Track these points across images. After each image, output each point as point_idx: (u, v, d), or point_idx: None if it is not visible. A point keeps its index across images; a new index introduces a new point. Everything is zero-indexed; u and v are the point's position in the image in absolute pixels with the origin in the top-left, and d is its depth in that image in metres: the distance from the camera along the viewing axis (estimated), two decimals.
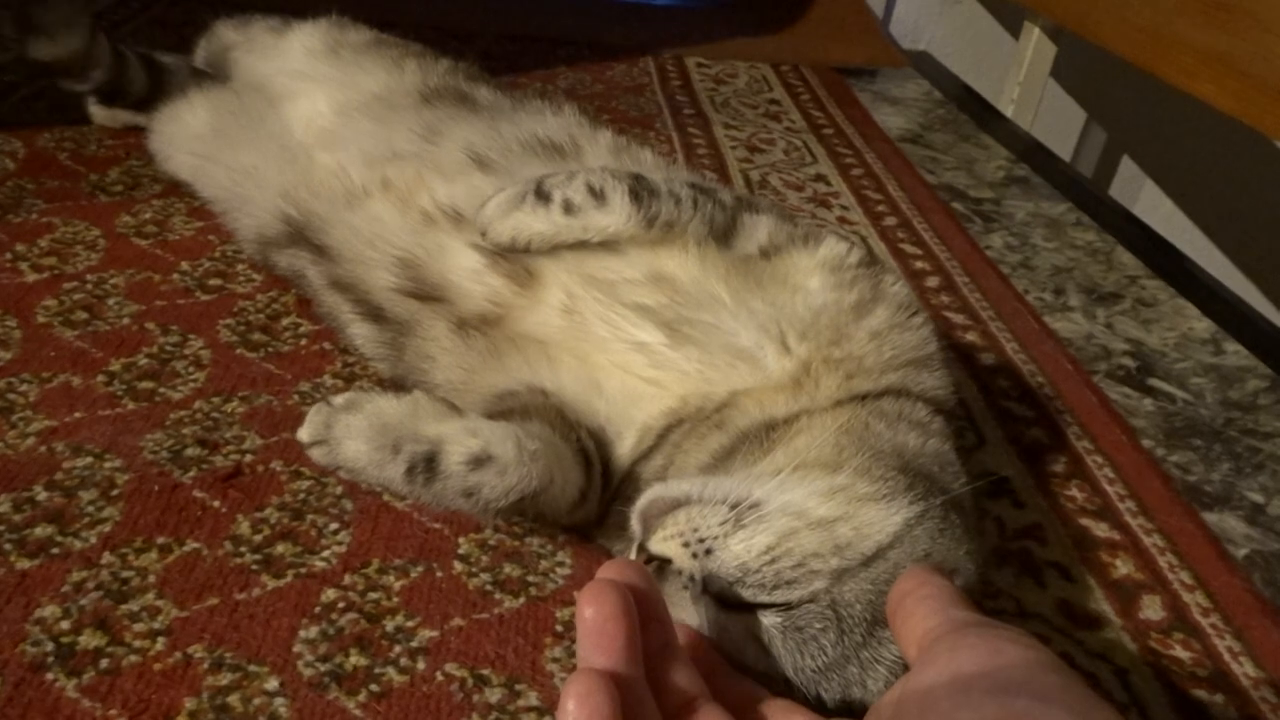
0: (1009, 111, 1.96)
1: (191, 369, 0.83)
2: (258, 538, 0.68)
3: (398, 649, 0.61)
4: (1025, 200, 1.49)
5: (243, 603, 0.63)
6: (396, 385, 0.81)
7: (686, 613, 0.54)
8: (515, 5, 2.05)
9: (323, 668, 0.59)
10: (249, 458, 0.74)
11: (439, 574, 0.67)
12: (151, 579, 0.63)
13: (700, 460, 0.64)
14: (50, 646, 0.58)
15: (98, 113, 1.20)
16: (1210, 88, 1.40)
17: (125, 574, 0.63)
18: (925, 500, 0.56)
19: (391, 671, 0.59)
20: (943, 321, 1.08)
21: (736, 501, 0.54)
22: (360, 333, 0.82)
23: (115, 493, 0.69)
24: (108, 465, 0.72)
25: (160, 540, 0.66)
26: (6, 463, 0.71)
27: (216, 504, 0.70)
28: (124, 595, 0.62)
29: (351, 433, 0.60)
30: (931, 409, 0.67)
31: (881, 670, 0.52)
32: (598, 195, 0.70)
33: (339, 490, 0.72)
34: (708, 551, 0.53)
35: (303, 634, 0.61)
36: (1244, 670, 0.69)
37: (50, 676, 0.56)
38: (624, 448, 0.70)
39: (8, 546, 0.64)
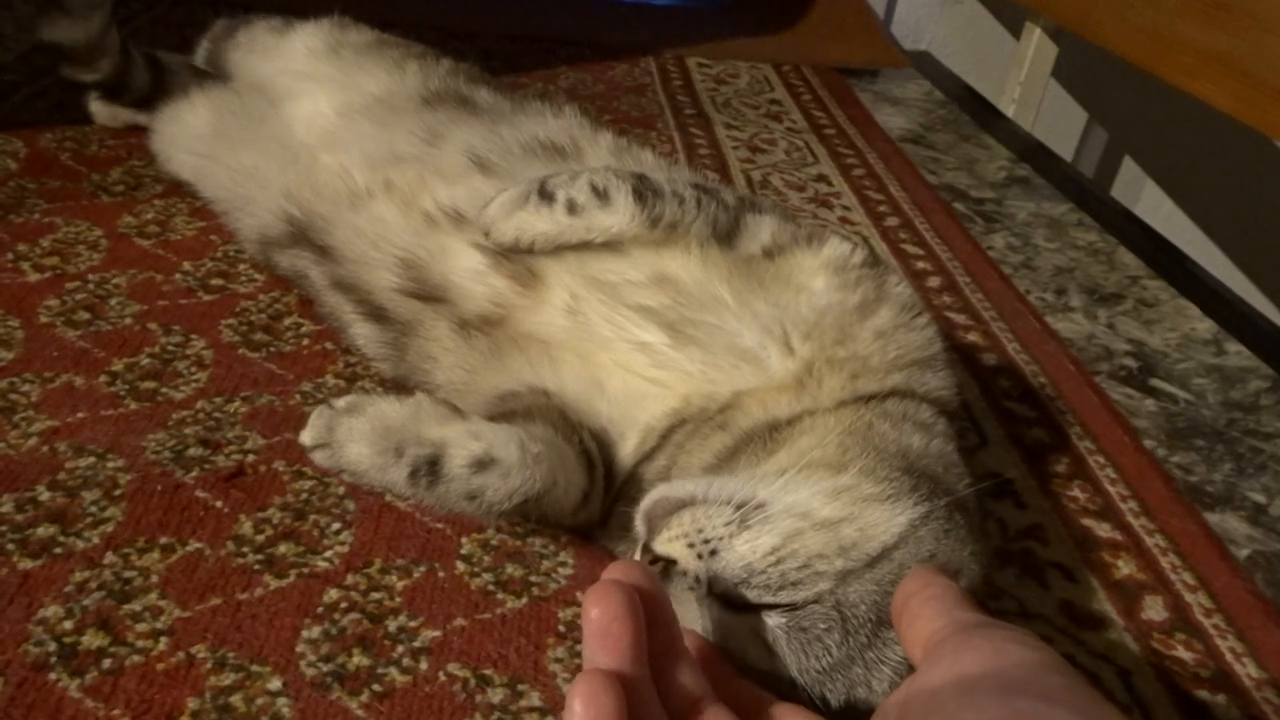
0: (1010, 112, 1.96)
1: (194, 369, 0.83)
2: (260, 538, 0.68)
3: (400, 649, 0.61)
4: (1027, 200, 1.49)
5: (245, 603, 0.63)
6: (398, 386, 0.81)
7: (691, 613, 0.54)
8: (516, 5, 2.05)
9: (325, 668, 0.59)
10: (251, 458, 0.74)
11: (441, 574, 0.67)
12: (154, 579, 0.63)
13: (703, 461, 0.64)
14: (53, 646, 0.58)
15: (99, 111, 1.20)
16: (1211, 88, 1.40)
17: (128, 574, 0.63)
18: (930, 501, 0.56)
19: (394, 672, 0.59)
20: (944, 322, 1.08)
21: (741, 502, 0.54)
22: (362, 333, 0.82)
23: (118, 493, 0.69)
24: (110, 465, 0.72)
25: (163, 540, 0.66)
26: (9, 463, 0.71)
27: (219, 504, 0.70)
28: (127, 595, 0.62)
29: (354, 436, 0.60)
30: (935, 410, 0.67)
31: (886, 671, 0.51)
32: (601, 195, 0.70)
33: (341, 490, 0.72)
34: (713, 552, 0.53)
35: (305, 634, 0.61)
36: (1246, 671, 0.69)
37: (53, 676, 0.56)
38: (627, 448, 0.70)
39: (10, 546, 0.64)
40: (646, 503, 0.57)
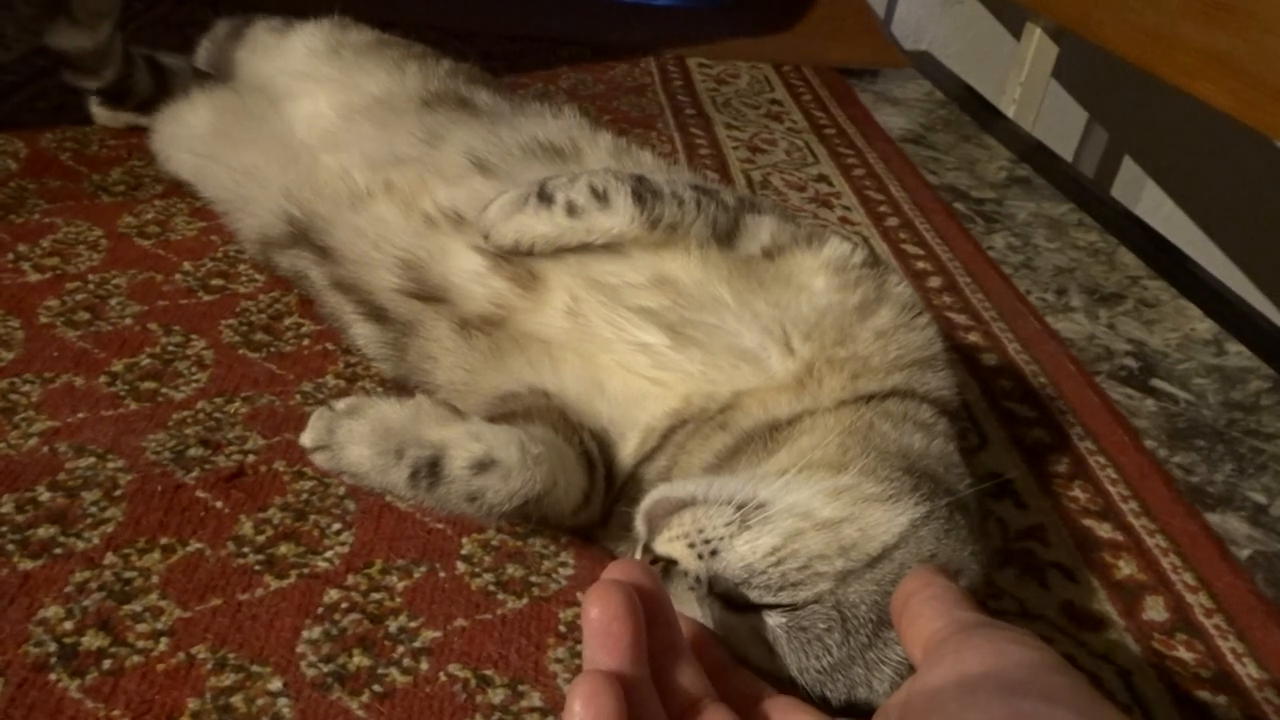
0: (1010, 112, 1.96)
1: (194, 369, 0.83)
2: (260, 538, 0.68)
3: (401, 649, 0.61)
4: (1027, 201, 1.49)
5: (246, 603, 0.63)
6: (399, 386, 0.81)
7: (692, 613, 0.54)
8: (517, 5, 2.05)
9: (326, 668, 0.59)
10: (251, 458, 0.74)
11: (442, 574, 0.67)
12: (154, 579, 0.63)
13: (704, 461, 0.64)
14: (53, 647, 0.58)
15: (100, 113, 1.20)
16: (1211, 88, 1.40)
17: (128, 574, 0.63)
18: (931, 501, 0.56)
19: (394, 672, 0.59)
20: (945, 322, 1.08)
21: (742, 502, 0.54)
22: (363, 333, 0.82)
23: (118, 493, 0.69)
24: (110, 466, 0.72)
25: (163, 541, 0.66)
26: (9, 463, 0.71)
27: (219, 504, 0.70)
28: (127, 596, 0.62)
29: (354, 438, 0.60)
30: (936, 410, 0.67)
31: (887, 671, 0.51)
32: (601, 197, 0.70)
33: (342, 491, 0.72)
34: (713, 552, 0.53)
35: (306, 634, 0.61)
36: (1247, 671, 0.69)
37: (53, 677, 0.56)
38: (627, 449, 0.70)
39: (10, 547, 0.64)
40: (647, 503, 0.57)
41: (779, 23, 2.16)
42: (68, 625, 0.59)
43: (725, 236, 0.72)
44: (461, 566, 0.68)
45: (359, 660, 0.60)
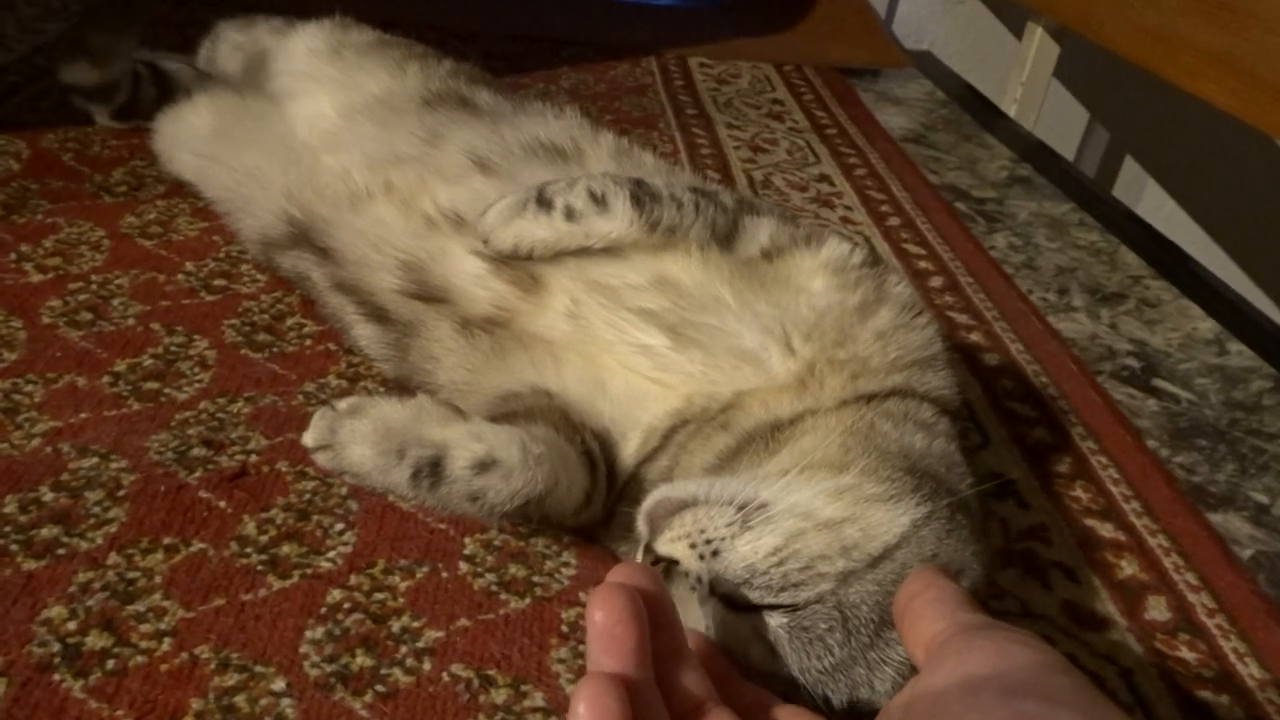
0: (1012, 111, 1.96)
1: (196, 369, 0.83)
2: (263, 538, 0.68)
3: (403, 649, 0.61)
4: (1028, 200, 1.49)
5: (249, 603, 0.63)
6: (401, 386, 0.81)
7: (694, 614, 0.54)
8: (518, 5, 2.05)
9: (329, 668, 0.59)
10: (254, 458, 0.74)
11: (444, 574, 0.67)
12: (158, 579, 0.63)
13: (705, 461, 0.64)
14: (57, 647, 0.58)
15: (103, 120, 1.20)
16: (1213, 87, 1.40)
17: (131, 575, 0.64)
18: (932, 501, 0.56)
19: (397, 672, 0.60)
20: (947, 322, 1.08)
21: (744, 503, 0.54)
22: (365, 334, 0.82)
23: (121, 493, 0.70)
24: (113, 466, 0.72)
25: (166, 541, 0.66)
26: (12, 463, 0.71)
27: (222, 504, 0.70)
28: (130, 596, 0.62)
29: (356, 438, 0.60)
30: (937, 409, 0.67)
31: (889, 672, 0.51)
32: (599, 201, 0.70)
33: (344, 491, 0.72)
34: (715, 553, 0.53)
35: (309, 634, 0.61)
36: (1249, 671, 0.69)
37: (57, 677, 0.56)
38: (629, 449, 0.70)
39: (14, 547, 0.64)
40: (648, 503, 0.57)
41: (780, 22, 2.16)
42: (71, 625, 0.60)
43: (725, 238, 0.72)
44: (464, 566, 0.68)
45: (362, 660, 0.60)
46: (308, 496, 0.72)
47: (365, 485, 0.63)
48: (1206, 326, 1.18)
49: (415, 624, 0.63)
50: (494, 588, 0.67)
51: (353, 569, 0.66)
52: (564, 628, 0.65)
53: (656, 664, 0.46)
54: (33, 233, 0.99)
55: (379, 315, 0.81)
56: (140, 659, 0.58)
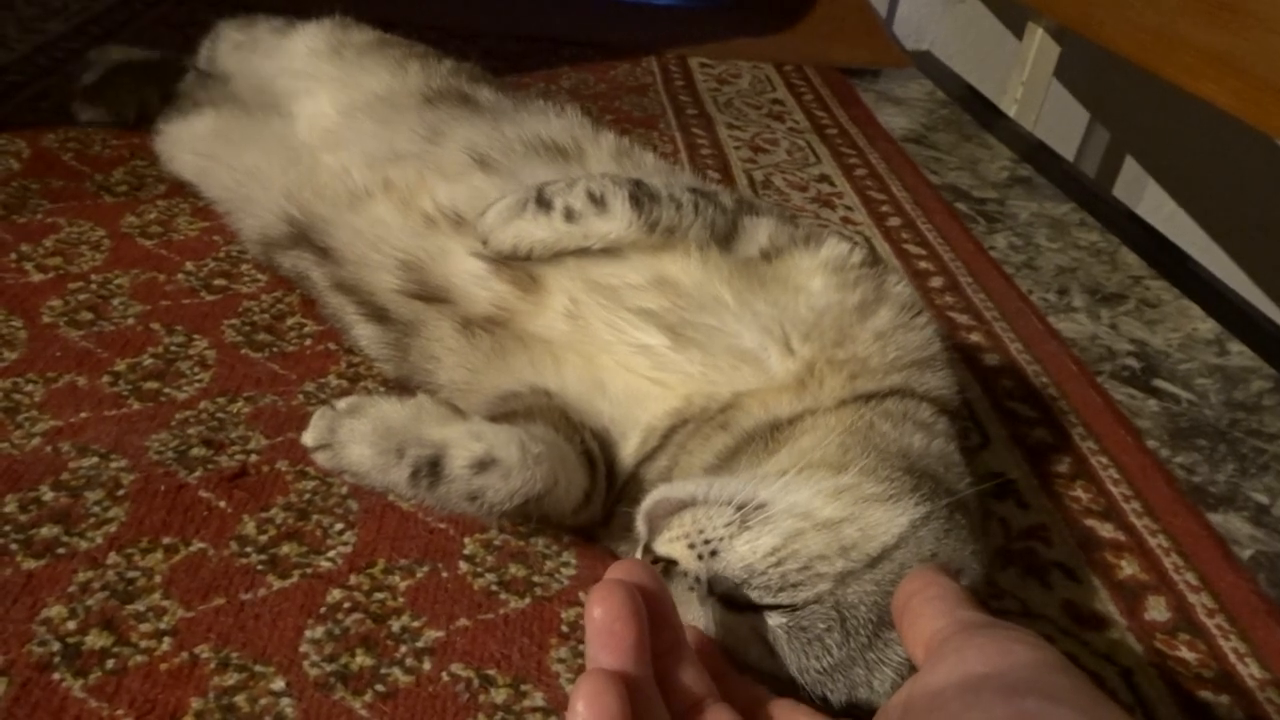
0: (1012, 112, 1.96)
1: (196, 369, 0.83)
2: (263, 538, 0.68)
3: (403, 649, 0.61)
4: (1029, 200, 1.49)
5: (249, 603, 0.63)
6: (401, 386, 0.81)
7: (693, 614, 0.54)
8: (519, 5, 2.05)
9: (329, 668, 0.59)
10: (254, 458, 0.74)
11: (444, 574, 0.67)
12: (157, 579, 0.64)
13: (705, 461, 0.64)
14: (57, 646, 0.58)
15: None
16: (1213, 87, 1.40)
17: (131, 574, 0.64)
18: (931, 501, 0.56)
19: (397, 672, 0.60)
20: (947, 322, 1.08)
21: (742, 503, 0.54)
22: (365, 334, 0.82)
23: (121, 493, 0.70)
24: (113, 465, 0.72)
25: (166, 540, 0.66)
26: (12, 463, 0.71)
27: (222, 504, 0.70)
28: (130, 595, 0.62)
29: (356, 437, 0.60)
30: (936, 409, 0.67)
31: (888, 672, 0.51)
32: (598, 202, 0.70)
33: (344, 490, 0.73)
34: (713, 553, 0.53)
35: (309, 634, 0.61)
36: (1249, 671, 0.69)
37: (57, 676, 0.57)
38: (628, 449, 0.70)
39: (14, 547, 0.64)
40: (647, 503, 0.57)
41: (781, 22, 2.16)
42: (71, 625, 0.60)
43: (724, 239, 0.72)
44: (464, 566, 0.68)
45: (362, 660, 0.60)
46: (308, 496, 0.72)
47: (365, 484, 0.63)
48: (1207, 327, 1.18)
49: (415, 624, 0.63)
50: (494, 587, 0.67)
51: (353, 569, 0.66)
52: (564, 627, 0.65)
53: (656, 660, 0.46)
54: (33, 232, 0.99)
55: (379, 315, 0.81)
56: (140, 658, 0.58)
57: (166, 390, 0.80)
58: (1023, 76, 1.98)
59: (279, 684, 0.58)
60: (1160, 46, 1.53)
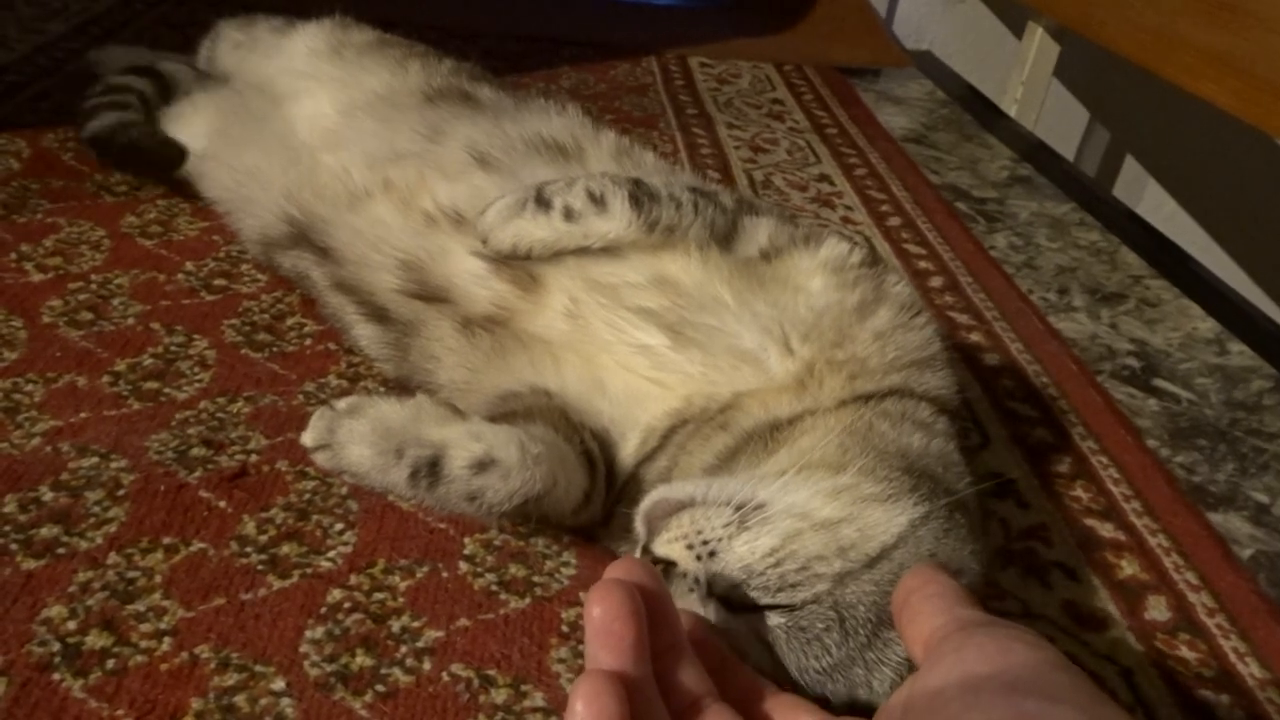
0: (1012, 111, 1.96)
1: (196, 369, 0.83)
2: (263, 538, 0.68)
3: (403, 649, 0.61)
4: (1029, 200, 1.49)
5: (249, 603, 0.63)
6: (401, 386, 0.81)
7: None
8: (519, 5, 2.05)
9: (329, 668, 0.59)
10: (254, 458, 0.74)
11: (444, 574, 0.67)
12: (158, 579, 0.64)
13: (704, 461, 0.64)
14: (57, 646, 0.58)
15: None
16: (1213, 87, 1.40)
17: (131, 574, 0.64)
18: (930, 501, 0.56)
19: (397, 672, 0.60)
20: (947, 322, 1.08)
21: (741, 503, 0.54)
22: (365, 334, 0.82)
23: (121, 493, 0.70)
24: (113, 465, 0.72)
25: (166, 540, 0.66)
26: (12, 463, 0.71)
27: (222, 504, 0.70)
28: (130, 595, 0.62)
29: (355, 438, 0.60)
30: (935, 409, 0.67)
31: (887, 672, 0.51)
32: (598, 201, 0.70)
33: (344, 491, 0.73)
34: (711, 554, 0.53)
35: (309, 634, 0.61)
36: (1250, 671, 0.69)
37: (57, 676, 0.57)
38: (628, 449, 0.70)
39: (14, 547, 0.64)
40: (646, 504, 0.57)
41: (781, 22, 2.16)
42: (71, 625, 0.60)
43: (724, 238, 0.72)
44: (464, 566, 0.68)
45: (362, 660, 0.60)
46: (308, 496, 0.72)
47: (364, 485, 0.63)
48: (1207, 326, 1.18)
49: (415, 624, 0.63)
50: (494, 587, 0.67)
51: (353, 569, 0.66)
52: (564, 627, 0.65)
53: (655, 660, 0.45)
54: (33, 232, 0.99)
55: (379, 315, 0.81)
56: (140, 658, 0.58)
57: (166, 390, 0.80)
58: (1023, 76, 1.98)
59: (279, 684, 0.58)
60: (1160, 46, 1.53)
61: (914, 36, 2.35)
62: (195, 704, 0.56)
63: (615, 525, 0.68)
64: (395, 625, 0.63)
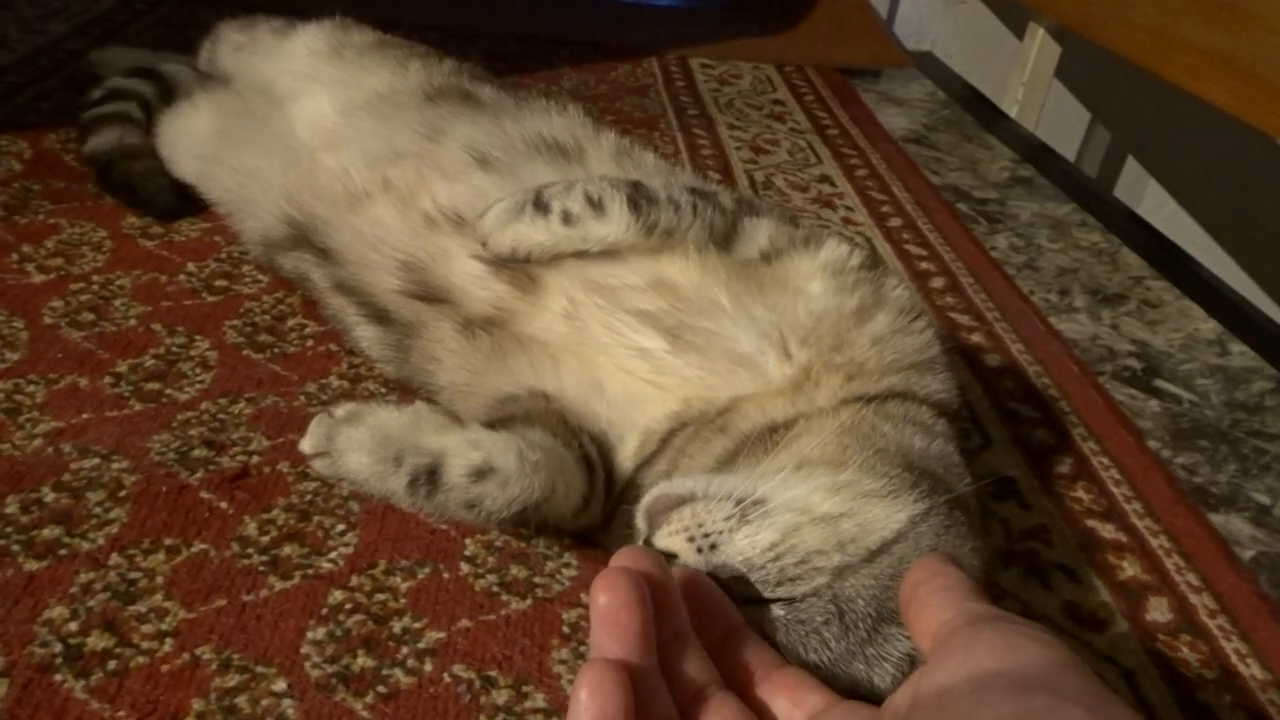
0: (1013, 112, 1.96)
1: (198, 370, 0.83)
2: (265, 539, 0.68)
3: (405, 650, 0.61)
4: (1030, 201, 1.49)
5: (250, 604, 0.63)
6: (402, 387, 0.82)
7: None
8: (519, 6, 2.05)
9: (330, 669, 0.59)
10: (256, 459, 0.74)
11: (446, 575, 0.67)
12: (159, 580, 0.64)
13: (704, 464, 0.64)
14: (58, 648, 0.58)
15: None
16: (1214, 88, 1.40)
17: (133, 575, 0.64)
18: (930, 498, 0.56)
19: (399, 673, 0.60)
20: (948, 323, 1.08)
21: (742, 498, 0.54)
22: (366, 335, 0.82)
23: (123, 494, 0.70)
24: (115, 466, 0.72)
25: (168, 541, 0.66)
26: (14, 464, 0.71)
27: (224, 505, 0.70)
28: (132, 596, 0.62)
29: (353, 445, 0.60)
30: (936, 412, 0.67)
31: (888, 667, 0.51)
32: (596, 205, 0.70)
33: (345, 492, 0.73)
34: (712, 547, 0.53)
35: (310, 635, 0.61)
36: (1251, 672, 0.69)
37: (58, 678, 0.57)
38: (626, 452, 0.70)
39: (16, 548, 0.64)
40: (647, 499, 0.57)
41: (781, 23, 2.16)
42: (73, 626, 0.60)
43: (723, 240, 0.72)
44: (465, 567, 0.68)
45: (363, 661, 0.60)
46: (309, 497, 0.72)
47: (363, 492, 0.63)
48: (1208, 327, 1.18)
49: (416, 625, 0.63)
50: (495, 589, 0.67)
51: (354, 570, 0.66)
52: (565, 629, 0.65)
53: (660, 649, 0.45)
54: (34, 233, 0.99)
55: (380, 316, 0.81)
56: (142, 659, 0.58)
57: (168, 391, 0.80)
58: (1024, 77, 1.98)
59: (280, 685, 0.58)
60: (1160, 46, 1.53)
61: (915, 37, 2.35)
62: (197, 705, 0.56)
63: (615, 528, 0.68)
64: (396, 626, 0.63)
